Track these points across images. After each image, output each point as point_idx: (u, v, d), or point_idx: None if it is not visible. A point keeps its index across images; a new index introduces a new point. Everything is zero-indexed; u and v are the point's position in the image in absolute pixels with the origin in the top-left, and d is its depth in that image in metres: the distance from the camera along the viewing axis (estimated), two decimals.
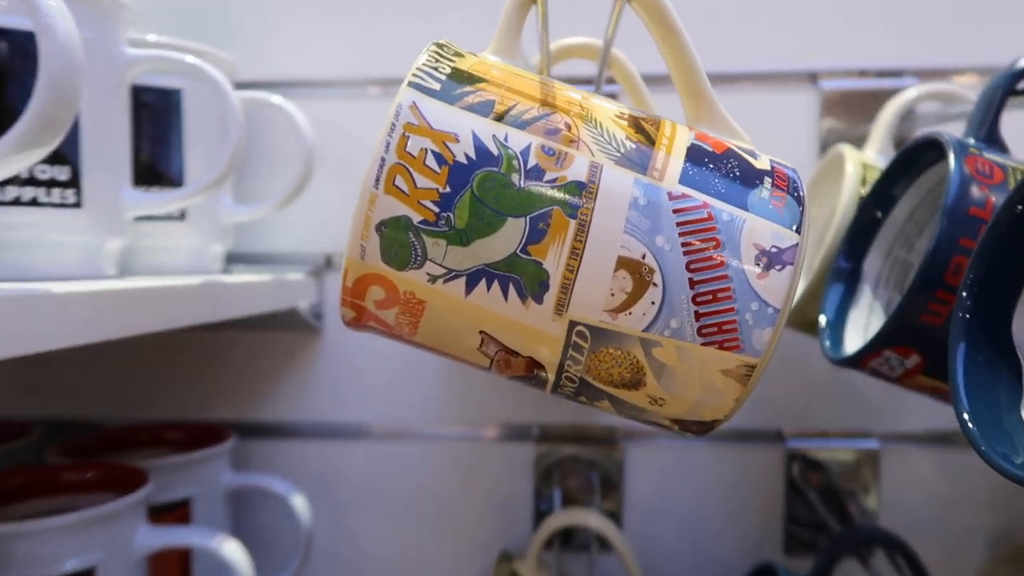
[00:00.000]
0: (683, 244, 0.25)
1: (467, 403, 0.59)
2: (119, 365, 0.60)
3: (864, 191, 0.44)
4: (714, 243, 0.25)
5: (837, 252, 0.42)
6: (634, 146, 0.26)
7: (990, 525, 0.58)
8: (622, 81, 0.40)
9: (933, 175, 0.39)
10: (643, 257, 0.25)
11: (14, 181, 0.34)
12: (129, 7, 0.39)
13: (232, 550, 0.42)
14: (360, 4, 0.58)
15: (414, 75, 0.25)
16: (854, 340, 0.40)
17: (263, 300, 0.47)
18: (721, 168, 0.26)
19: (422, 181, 0.24)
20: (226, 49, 0.50)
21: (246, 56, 0.56)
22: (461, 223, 0.24)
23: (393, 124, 0.24)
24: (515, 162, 0.24)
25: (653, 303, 0.25)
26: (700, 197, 0.25)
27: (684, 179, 0.25)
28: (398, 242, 0.24)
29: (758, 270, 0.25)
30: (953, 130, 0.40)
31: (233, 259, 0.58)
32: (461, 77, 0.26)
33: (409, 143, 0.24)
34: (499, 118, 0.25)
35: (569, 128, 0.25)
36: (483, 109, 0.25)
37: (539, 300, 0.25)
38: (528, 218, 0.24)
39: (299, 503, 0.52)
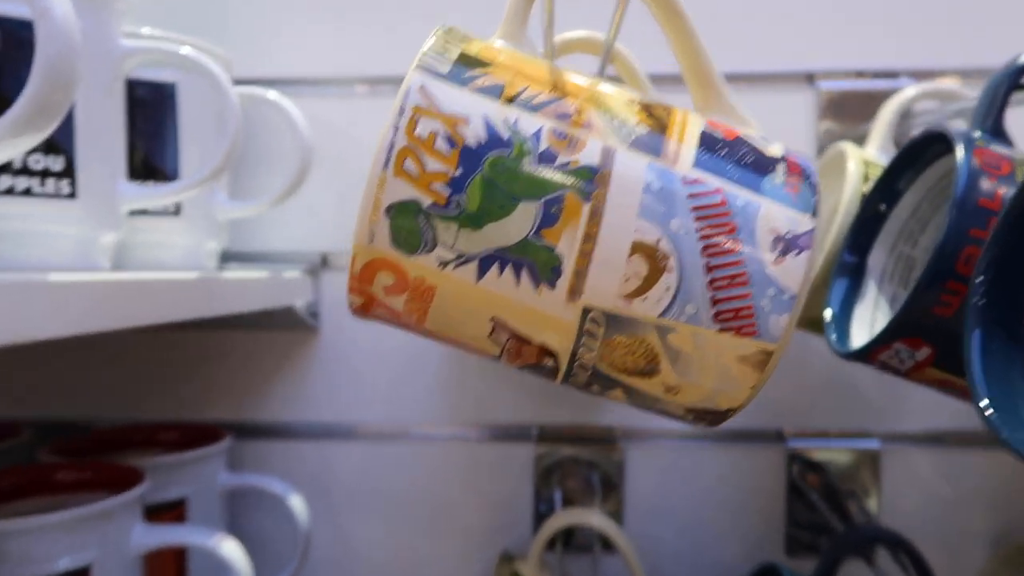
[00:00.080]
0: (698, 229, 0.24)
1: (466, 403, 0.59)
2: (112, 365, 0.59)
3: (866, 188, 0.44)
4: (729, 228, 0.25)
5: (841, 247, 0.42)
6: (646, 131, 0.25)
7: (991, 526, 0.58)
8: (625, 76, 0.40)
9: (937, 170, 0.39)
10: (658, 242, 0.24)
11: (7, 170, 0.33)
12: None
13: (230, 549, 0.41)
14: (356, 3, 0.58)
15: (423, 57, 0.25)
16: (860, 335, 0.40)
17: (259, 297, 0.46)
18: (734, 154, 0.26)
19: (432, 164, 0.24)
20: (220, 46, 0.49)
21: (240, 53, 0.55)
22: (473, 206, 0.24)
23: (402, 106, 0.24)
24: (527, 145, 0.24)
25: (668, 288, 0.24)
26: (714, 182, 0.25)
27: (698, 164, 0.25)
28: (408, 226, 0.24)
29: (774, 255, 0.25)
30: (954, 126, 0.40)
31: (228, 257, 0.57)
32: (470, 60, 0.25)
33: (419, 125, 0.24)
34: (509, 101, 0.25)
35: (580, 112, 0.25)
36: (493, 92, 0.25)
37: (552, 285, 0.24)
38: (541, 202, 0.24)
39: (297, 504, 0.51)
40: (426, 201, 0.24)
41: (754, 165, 0.26)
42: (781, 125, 0.57)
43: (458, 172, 0.24)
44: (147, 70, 0.44)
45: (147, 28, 0.45)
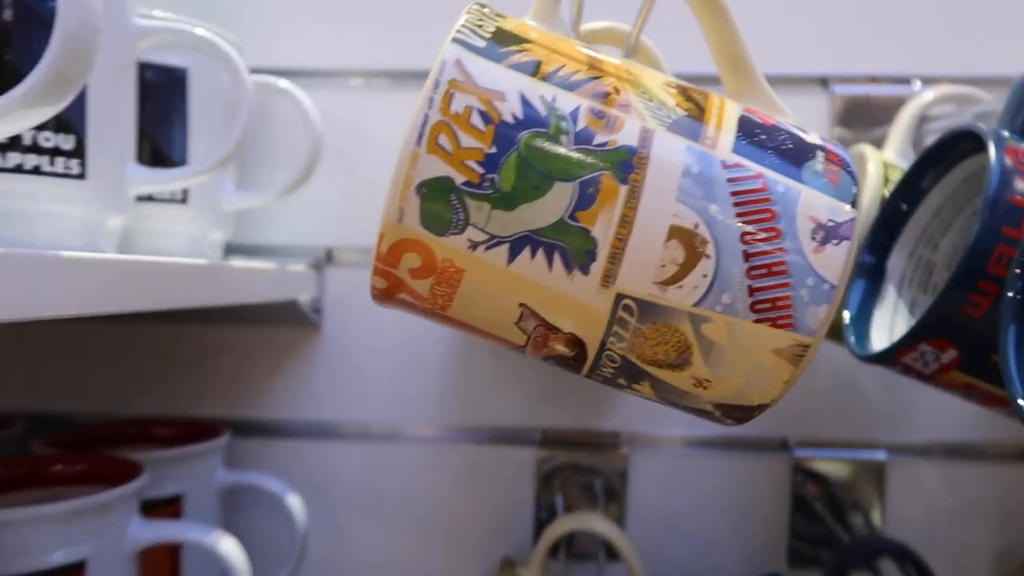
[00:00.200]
0: (738, 215, 0.24)
1: (468, 405, 0.58)
2: (108, 358, 0.58)
3: (886, 190, 0.44)
4: (770, 214, 0.24)
5: (861, 247, 0.41)
6: (684, 114, 0.25)
7: (995, 539, 0.58)
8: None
9: (962, 171, 0.38)
10: (696, 227, 0.23)
11: (16, 147, 0.32)
12: None
13: (229, 547, 0.40)
14: None
15: (458, 32, 0.24)
16: (879, 339, 0.39)
17: (266, 288, 0.45)
18: (773, 140, 0.25)
19: (467, 140, 0.23)
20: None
21: (245, 43, 0.54)
22: (507, 186, 0.23)
23: (437, 80, 0.23)
24: (564, 124, 0.23)
25: (705, 276, 0.24)
26: (754, 167, 0.24)
27: (737, 149, 0.24)
28: (439, 204, 0.23)
29: (815, 244, 0.24)
30: None
31: (230, 250, 0.56)
32: (506, 36, 0.24)
33: (454, 100, 0.23)
34: (546, 79, 0.24)
35: (618, 92, 0.24)
36: (530, 69, 0.24)
37: (585, 271, 0.24)
38: (577, 182, 0.23)
39: (294, 503, 0.50)
40: (459, 179, 0.23)
41: (794, 152, 0.25)
42: None
43: (493, 150, 0.23)
44: (158, 54, 0.43)
45: (159, 11, 0.44)
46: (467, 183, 0.23)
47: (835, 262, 0.24)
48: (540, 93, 0.24)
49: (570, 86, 0.24)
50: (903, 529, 0.57)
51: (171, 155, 0.45)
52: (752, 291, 0.24)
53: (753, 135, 0.25)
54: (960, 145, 0.36)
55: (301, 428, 0.58)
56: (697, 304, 0.24)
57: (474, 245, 0.24)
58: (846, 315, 0.40)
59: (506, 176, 0.23)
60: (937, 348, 0.33)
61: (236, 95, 0.39)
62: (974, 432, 0.57)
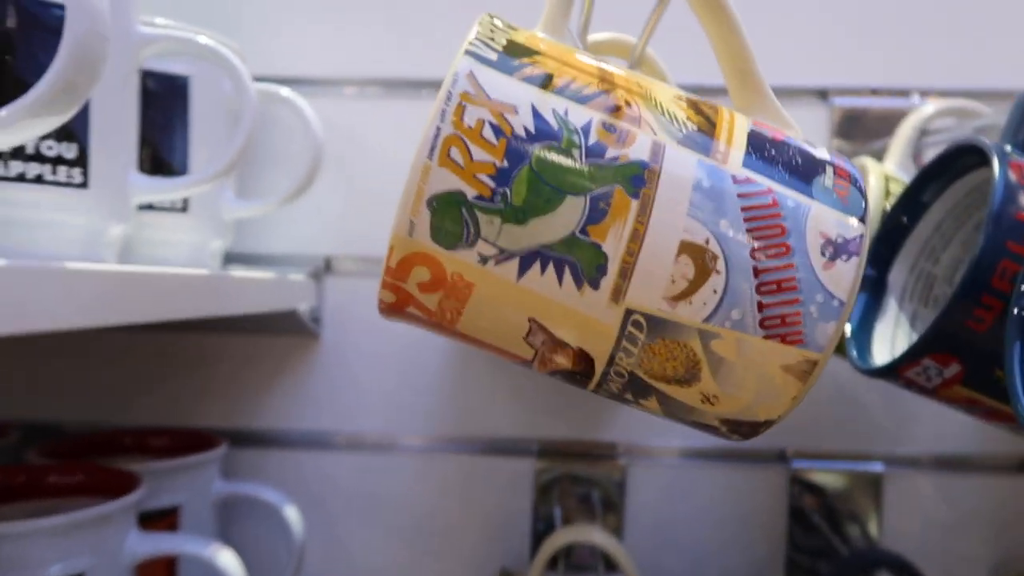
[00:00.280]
0: (748, 230, 0.24)
1: (466, 415, 0.58)
2: (104, 366, 0.58)
3: (887, 203, 0.44)
4: (780, 230, 0.24)
5: None
6: (695, 128, 0.25)
7: (991, 551, 0.58)
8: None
9: (964, 185, 0.38)
10: (706, 242, 0.23)
11: (20, 156, 0.32)
12: None
13: (226, 559, 0.40)
14: (364, 3, 0.57)
15: (471, 44, 0.24)
16: (881, 353, 0.39)
17: (265, 298, 0.45)
18: (783, 155, 0.25)
19: (478, 154, 0.23)
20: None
21: (245, 51, 0.54)
22: (518, 200, 0.23)
23: (449, 92, 0.23)
24: (576, 137, 0.23)
25: (715, 291, 0.24)
26: (765, 182, 0.24)
27: (747, 163, 0.24)
28: (450, 218, 0.23)
29: (824, 260, 0.24)
30: None
31: (229, 259, 0.56)
32: (517, 49, 0.24)
33: (466, 113, 0.23)
34: (559, 92, 0.24)
35: (629, 106, 0.24)
36: (541, 81, 0.24)
37: (595, 286, 0.24)
38: (589, 197, 0.23)
39: (291, 514, 0.50)
40: (471, 192, 0.23)
41: (803, 167, 0.25)
42: None
43: (505, 164, 0.23)
44: (160, 61, 0.43)
45: (161, 19, 0.44)
46: (478, 197, 0.23)
47: (844, 278, 0.24)
48: (552, 106, 0.23)
49: (582, 99, 0.24)
50: (900, 541, 0.57)
51: (172, 163, 0.44)
52: (762, 307, 0.24)
53: (763, 150, 0.25)
54: (962, 159, 0.37)
55: (299, 437, 0.58)
56: (707, 320, 0.24)
57: (484, 259, 0.23)
58: (848, 328, 0.40)
59: (517, 190, 0.23)
60: (940, 363, 0.33)
61: (239, 104, 0.39)
62: (970, 445, 0.57)
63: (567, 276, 0.24)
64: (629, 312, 0.24)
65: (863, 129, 0.56)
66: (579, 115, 0.24)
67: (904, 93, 0.56)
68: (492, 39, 0.24)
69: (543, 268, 0.23)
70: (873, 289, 0.41)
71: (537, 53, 0.25)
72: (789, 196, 0.24)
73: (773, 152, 0.25)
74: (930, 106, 0.49)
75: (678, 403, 0.26)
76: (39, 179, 0.33)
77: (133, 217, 0.38)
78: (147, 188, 0.37)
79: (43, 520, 0.35)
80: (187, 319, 0.34)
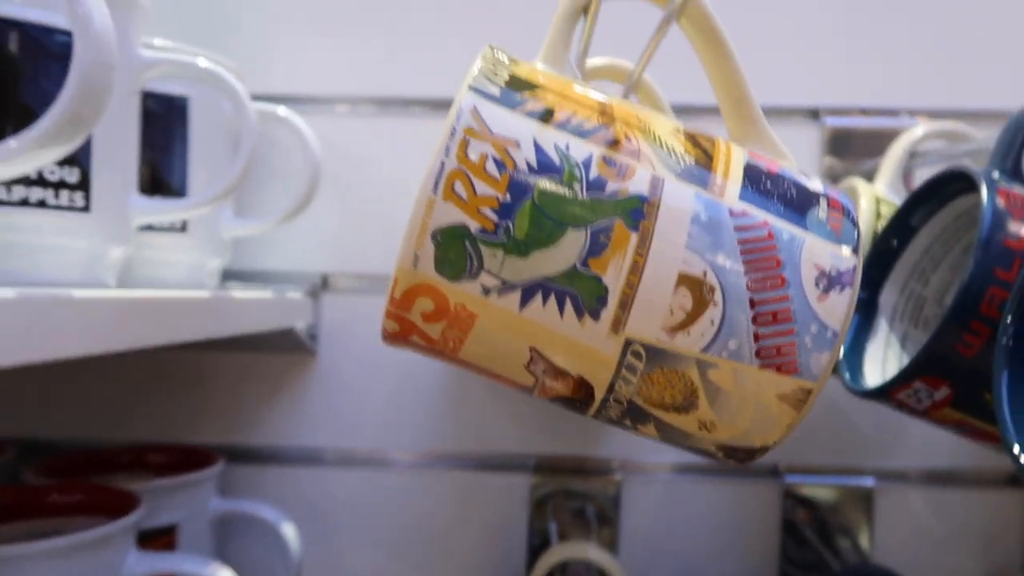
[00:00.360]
0: (745, 262, 0.24)
1: (463, 432, 0.58)
2: (101, 383, 0.58)
3: (878, 225, 0.44)
4: (775, 262, 0.24)
5: None
6: (693, 161, 0.25)
7: (980, 564, 0.58)
8: (649, 105, 0.40)
9: (953, 210, 0.39)
10: (704, 274, 0.24)
11: (22, 181, 0.32)
12: (144, 6, 0.38)
13: None
14: (357, 22, 0.58)
15: (474, 79, 0.24)
16: (873, 373, 0.40)
17: (265, 318, 0.45)
18: (778, 188, 0.26)
19: (482, 188, 0.23)
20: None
21: (241, 69, 0.55)
22: (520, 233, 0.23)
23: (454, 128, 0.23)
24: (577, 171, 0.24)
25: (712, 322, 0.24)
26: (760, 215, 0.25)
27: (743, 196, 0.25)
28: (454, 251, 0.23)
29: (818, 291, 0.25)
30: None
31: (226, 276, 0.56)
32: (519, 83, 0.25)
33: (470, 148, 0.23)
34: (560, 126, 0.24)
35: (629, 139, 0.25)
36: (543, 116, 0.24)
37: (596, 316, 0.24)
38: (589, 230, 0.24)
39: (288, 531, 0.50)
40: (474, 226, 0.23)
41: (798, 199, 0.26)
42: None
43: (507, 198, 0.23)
44: (160, 82, 0.43)
45: (159, 39, 0.44)
46: (482, 230, 0.23)
47: (838, 309, 0.25)
48: (554, 140, 0.24)
49: (583, 133, 0.24)
50: (890, 554, 0.58)
51: (171, 182, 0.45)
52: (758, 337, 0.24)
53: (759, 183, 0.26)
54: (951, 185, 0.37)
55: (296, 454, 0.58)
56: (704, 350, 0.24)
57: (487, 291, 0.24)
58: (840, 350, 0.41)
59: (520, 224, 0.23)
60: (930, 386, 0.34)
61: (239, 127, 0.39)
62: (959, 459, 0.58)
63: (568, 307, 0.24)
64: (629, 342, 0.24)
65: (854, 148, 0.57)
66: (580, 149, 0.24)
67: (894, 113, 0.57)
68: (495, 73, 0.25)
69: (545, 299, 0.24)
70: (864, 310, 0.41)
71: (538, 87, 0.25)
72: (784, 229, 0.25)
73: (769, 185, 0.26)
74: (919, 128, 0.50)
75: (676, 430, 0.27)
76: (42, 204, 0.33)
77: (133, 239, 0.38)
78: (148, 210, 0.38)
79: (44, 542, 0.35)
80: (189, 341, 0.35)
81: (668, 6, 0.28)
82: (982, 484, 0.58)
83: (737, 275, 0.24)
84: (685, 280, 0.24)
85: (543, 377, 0.26)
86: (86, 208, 0.34)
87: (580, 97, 0.26)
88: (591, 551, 0.52)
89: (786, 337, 0.24)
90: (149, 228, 0.43)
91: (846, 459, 0.58)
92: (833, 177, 0.57)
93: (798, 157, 0.57)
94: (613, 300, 0.24)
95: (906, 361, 0.38)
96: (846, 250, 0.25)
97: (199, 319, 0.36)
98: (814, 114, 0.57)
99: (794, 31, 0.57)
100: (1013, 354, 0.27)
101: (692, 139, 0.26)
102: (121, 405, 0.58)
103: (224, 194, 0.38)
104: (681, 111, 0.50)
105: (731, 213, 0.25)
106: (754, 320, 0.24)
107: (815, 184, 0.27)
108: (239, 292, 0.44)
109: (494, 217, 0.23)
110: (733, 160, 0.26)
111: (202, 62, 0.39)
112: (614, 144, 0.24)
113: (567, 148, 0.24)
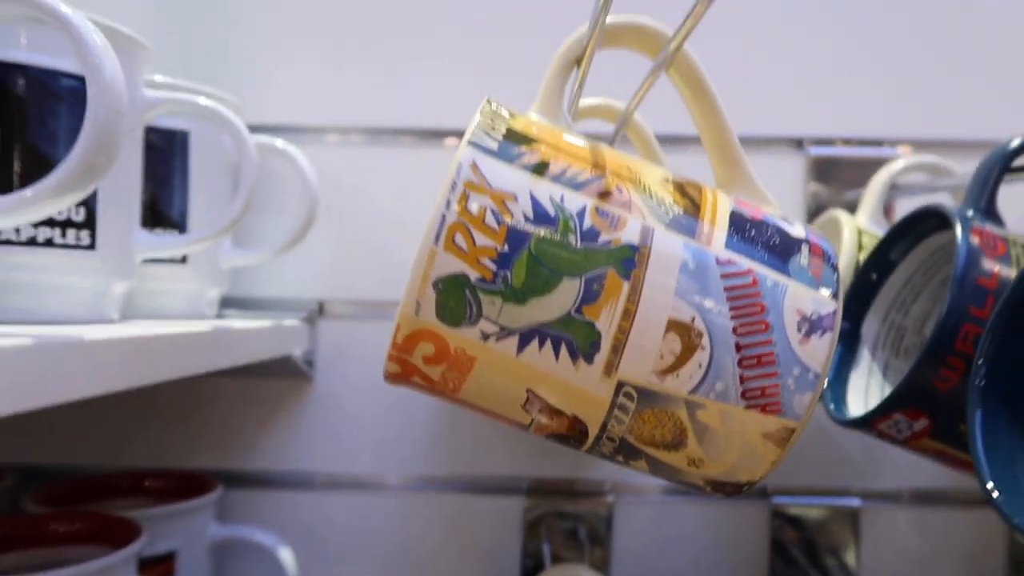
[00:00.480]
0: (731, 308, 0.25)
1: (457, 455, 0.59)
2: (97, 409, 0.58)
3: (861, 256, 0.46)
4: (759, 308, 0.26)
5: None
6: (681, 211, 0.26)
7: None
8: (637, 142, 0.41)
9: (930, 245, 0.41)
10: (692, 320, 0.25)
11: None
12: (146, 46, 0.39)
13: None
14: (348, 53, 0.59)
15: (473, 134, 0.25)
16: (856, 403, 0.41)
17: (265, 346, 0.46)
18: (762, 235, 0.27)
19: (481, 239, 0.24)
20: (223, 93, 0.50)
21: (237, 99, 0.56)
22: (518, 282, 0.25)
23: (454, 182, 0.25)
24: (571, 223, 0.25)
25: (700, 366, 0.25)
26: (745, 263, 0.26)
27: (729, 245, 0.26)
28: (454, 299, 0.25)
29: (800, 335, 0.26)
30: (936, 200, 0.42)
31: (224, 303, 0.57)
32: (516, 137, 0.26)
33: (470, 201, 0.24)
34: (555, 179, 0.25)
35: (620, 191, 0.26)
36: (539, 169, 0.26)
37: (589, 360, 0.25)
38: (583, 279, 0.25)
39: (285, 556, 0.51)
40: (474, 275, 0.24)
41: (781, 247, 0.27)
42: (771, 187, 0.58)
43: (505, 248, 0.24)
44: (162, 117, 0.44)
45: (159, 75, 0.45)
46: (481, 279, 0.24)
47: (819, 352, 0.26)
48: (549, 193, 0.25)
49: (576, 186, 0.26)
50: (876, 572, 0.59)
51: (172, 214, 0.46)
52: (743, 379, 0.26)
53: (744, 231, 0.27)
54: (927, 221, 0.39)
55: (292, 478, 0.58)
56: (693, 392, 0.26)
57: (486, 336, 0.25)
58: (824, 381, 0.42)
59: (517, 273, 0.24)
60: (910, 417, 0.35)
61: (240, 161, 0.40)
62: (942, 480, 0.59)
63: (563, 351, 0.25)
64: (621, 384, 0.26)
65: (837, 177, 0.59)
66: (574, 201, 0.25)
67: (877, 143, 0.58)
68: (492, 128, 0.26)
69: (541, 344, 0.25)
70: (847, 340, 0.43)
71: (535, 141, 0.26)
72: (768, 276, 0.26)
73: (753, 232, 0.27)
74: (900, 161, 0.52)
75: (666, 466, 0.28)
76: (49, 243, 0.34)
77: (137, 272, 0.39)
78: (151, 246, 0.39)
79: (47, 574, 0.35)
80: (193, 375, 0.36)
81: (657, 57, 0.29)
82: (965, 504, 0.59)
83: (724, 320, 0.25)
84: (674, 326, 0.25)
85: (539, 416, 0.27)
86: (92, 246, 0.35)
87: (574, 149, 0.27)
88: (584, 572, 0.53)
89: (770, 379, 0.26)
90: (151, 260, 0.44)
91: (833, 480, 0.59)
92: (818, 203, 0.59)
93: (784, 184, 0.59)
94: (606, 345, 0.25)
95: (888, 391, 0.39)
96: (826, 295, 0.26)
97: (202, 353, 0.37)
98: (798, 143, 0.59)
99: (779, 63, 0.59)
100: (985, 393, 0.29)
101: (680, 188, 0.27)
102: (119, 431, 0.58)
103: (225, 230, 0.39)
104: (671, 141, 0.52)
105: (718, 261, 0.26)
106: (740, 363, 0.26)
107: (797, 230, 0.28)
108: (238, 322, 0.45)
109: (493, 267, 0.24)
110: (719, 208, 0.27)
111: (202, 100, 0.40)
112: (606, 195, 0.26)
113: (562, 200, 0.25)
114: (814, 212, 0.58)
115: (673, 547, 0.59)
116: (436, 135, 0.58)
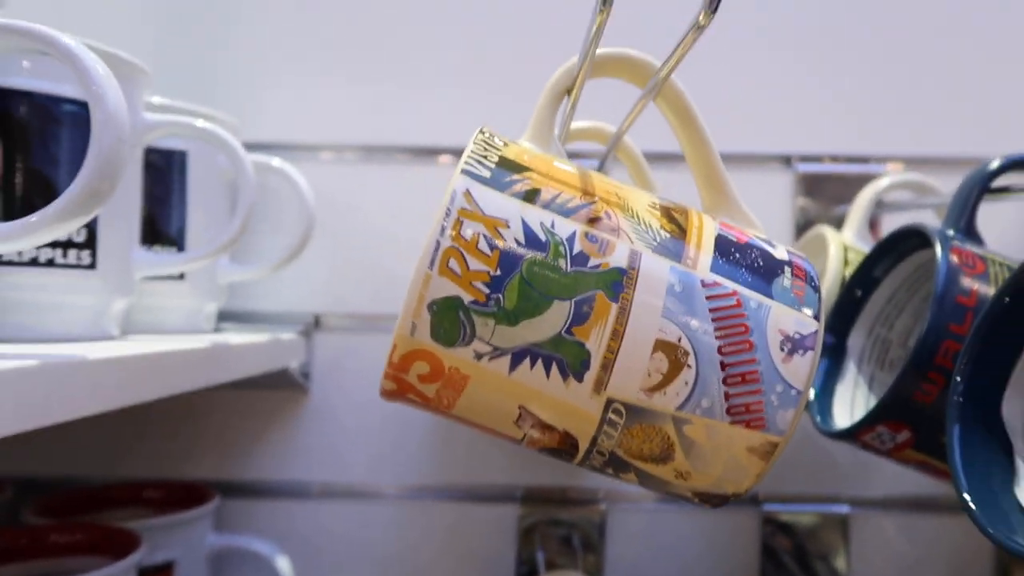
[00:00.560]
0: (716, 329, 0.26)
1: (452, 464, 0.60)
2: (95, 421, 0.59)
3: (847, 271, 0.47)
4: (743, 328, 0.27)
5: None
6: (668, 235, 0.27)
7: None
8: (627, 162, 0.42)
9: (912, 262, 0.42)
10: (679, 340, 0.26)
11: None
12: (146, 71, 0.40)
13: None
14: (341, 71, 0.60)
15: (466, 163, 0.26)
16: (842, 415, 0.42)
17: (262, 360, 0.47)
18: (746, 258, 0.28)
19: (474, 264, 0.25)
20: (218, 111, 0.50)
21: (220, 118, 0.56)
22: (510, 304, 0.25)
23: (448, 209, 0.25)
24: (561, 248, 0.26)
25: (687, 383, 0.26)
26: (730, 285, 0.27)
27: (714, 268, 0.27)
28: (449, 320, 0.25)
29: (783, 354, 0.27)
30: (921, 217, 0.43)
31: (221, 317, 0.57)
32: (509, 165, 0.27)
33: (463, 227, 0.25)
34: (545, 206, 0.26)
35: (609, 216, 0.27)
36: (530, 196, 0.26)
37: (580, 379, 0.26)
38: (573, 301, 0.26)
39: (283, 564, 0.52)
40: (467, 298, 0.25)
41: (764, 269, 0.28)
42: (759, 203, 0.59)
43: (498, 272, 0.25)
44: (161, 138, 0.45)
45: (157, 97, 0.46)
46: (474, 302, 0.25)
47: (801, 370, 0.27)
48: (540, 219, 0.26)
49: (566, 212, 0.27)
50: None
51: (169, 232, 0.46)
52: (728, 396, 0.27)
53: (728, 254, 0.28)
54: (910, 240, 0.40)
55: (289, 488, 0.59)
56: (679, 408, 0.27)
57: (479, 356, 0.26)
58: (811, 392, 0.43)
59: (509, 296, 0.25)
60: (893, 429, 0.36)
61: (238, 182, 0.41)
62: (930, 487, 0.60)
63: (554, 370, 0.26)
64: (610, 401, 0.26)
65: (825, 193, 0.60)
66: (564, 227, 0.26)
67: (863, 160, 0.60)
68: (485, 156, 0.27)
69: (532, 363, 0.26)
70: (833, 354, 0.44)
71: (526, 168, 0.27)
72: (752, 298, 0.27)
73: (738, 255, 0.28)
74: (885, 179, 0.53)
75: (654, 478, 0.29)
76: (50, 263, 0.34)
77: (136, 290, 0.40)
78: (150, 264, 0.39)
79: None
80: (193, 390, 0.36)
81: (646, 87, 0.30)
82: (952, 511, 0.60)
83: (709, 340, 0.26)
84: (661, 345, 0.26)
85: (531, 431, 0.28)
86: (92, 265, 0.36)
87: (564, 176, 0.28)
88: None
89: (754, 396, 0.27)
90: (151, 277, 0.45)
91: (823, 487, 0.60)
92: (806, 219, 0.60)
93: (773, 200, 0.60)
94: (595, 363, 0.26)
95: (873, 403, 0.40)
96: (808, 316, 0.27)
97: (201, 369, 0.38)
98: (787, 160, 0.60)
99: (768, 82, 0.60)
100: (963, 408, 0.30)
101: (667, 213, 0.28)
102: (118, 442, 0.59)
103: (223, 249, 0.40)
104: (660, 158, 0.53)
105: (703, 284, 0.27)
106: (725, 381, 0.26)
107: (780, 252, 0.29)
108: (236, 337, 0.46)
109: (486, 290, 0.25)
110: (705, 232, 0.28)
111: (200, 123, 0.41)
112: (595, 221, 0.27)
113: (552, 226, 0.26)
114: (802, 227, 0.59)
115: (666, 554, 0.60)
116: (430, 152, 0.59)
